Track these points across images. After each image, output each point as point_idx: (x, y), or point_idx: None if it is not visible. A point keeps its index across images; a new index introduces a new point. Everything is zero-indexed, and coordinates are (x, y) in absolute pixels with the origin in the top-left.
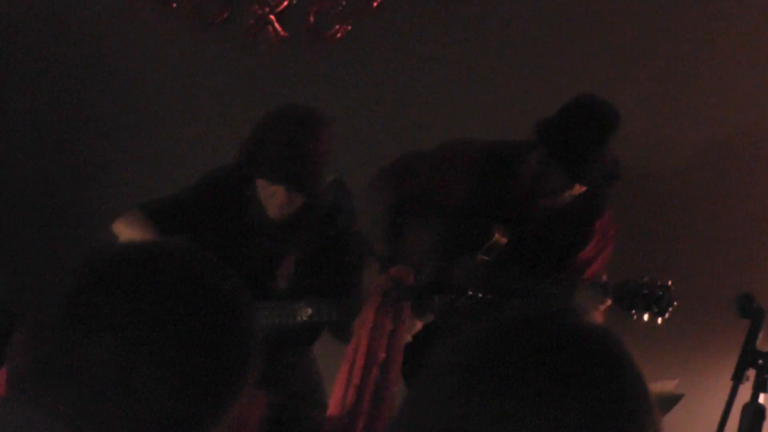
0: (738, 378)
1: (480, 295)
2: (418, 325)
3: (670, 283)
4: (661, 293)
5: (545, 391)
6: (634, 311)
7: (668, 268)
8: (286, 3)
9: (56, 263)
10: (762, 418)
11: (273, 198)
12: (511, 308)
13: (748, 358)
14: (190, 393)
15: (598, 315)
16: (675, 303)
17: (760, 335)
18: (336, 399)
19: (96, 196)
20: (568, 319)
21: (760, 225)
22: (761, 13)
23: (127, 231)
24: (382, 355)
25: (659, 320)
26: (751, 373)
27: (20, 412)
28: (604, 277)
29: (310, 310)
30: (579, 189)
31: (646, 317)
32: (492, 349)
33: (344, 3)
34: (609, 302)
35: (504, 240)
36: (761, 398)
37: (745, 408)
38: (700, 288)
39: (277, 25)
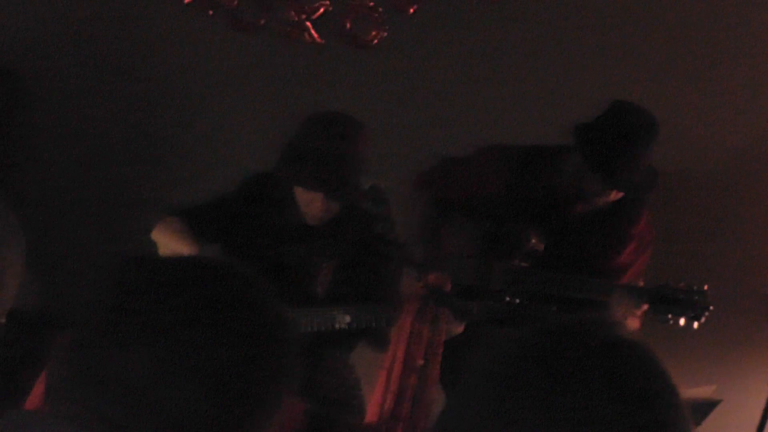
0: None
1: (518, 301)
2: (458, 329)
3: (706, 287)
4: (697, 298)
5: (581, 404)
6: (670, 316)
7: (704, 270)
8: (322, 10)
9: (95, 269)
10: None
11: (311, 205)
12: (549, 319)
13: None
14: (230, 406)
15: (634, 319)
16: (711, 307)
17: None
18: (374, 406)
19: (136, 201)
20: (605, 331)
21: None
22: None
23: (165, 239)
24: (419, 362)
25: (695, 324)
26: None
27: (54, 426)
28: (641, 282)
29: (348, 318)
30: (616, 195)
31: (682, 322)
32: (529, 360)
33: (380, 10)
34: (645, 307)
35: (541, 246)
36: None
37: None
38: (738, 291)
39: (313, 31)
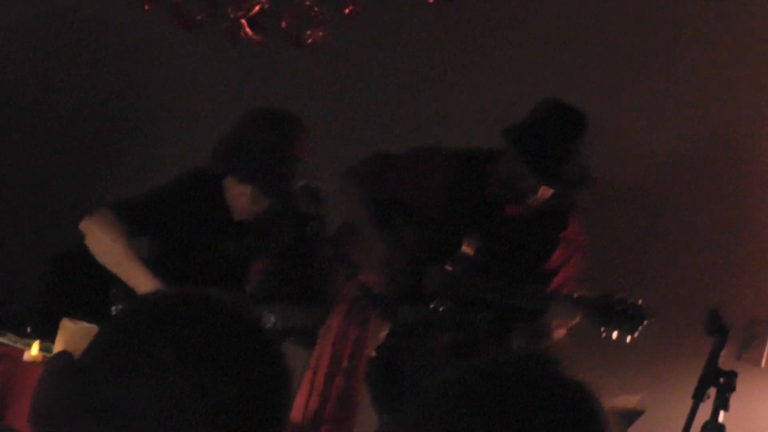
0: (699, 396)
1: (441, 309)
2: (382, 334)
3: (641, 301)
4: (632, 312)
5: None
6: (603, 329)
7: (636, 280)
8: (258, 7)
9: (25, 262)
10: None
11: (240, 199)
12: (492, 352)
13: (710, 376)
14: None
15: (562, 329)
16: (645, 322)
17: (723, 353)
18: (299, 405)
19: (68, 193)
20: (547, 369)
21: (731, 239)
22: (735, 18)
23: (95, 231)
24: (345, 363)
25: (628, 338)
26: (713, 391)
27: None
28: (576, 293)
29: (273, 318)
30: (546, 193)
31: (615, 335)
32: (471, 392)
33: (317, 9)
34: (579, 318)
35: (472, 251)
36: (721, 417)
37: (705, 426)
38: (668, 303)
39: (248, 29)
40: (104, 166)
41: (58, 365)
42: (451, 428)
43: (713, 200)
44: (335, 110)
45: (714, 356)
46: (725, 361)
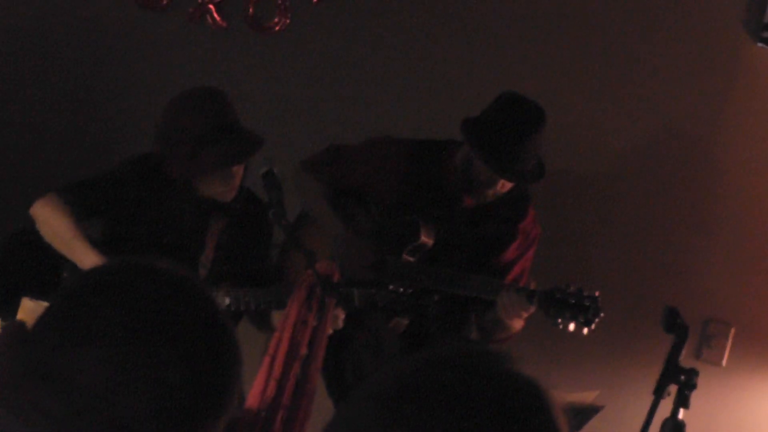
0: (659, 393)
1: (401, 289)
2: (340, 320)
3: (597, 293)
4: (588, 303)
5: None
6: (560, 320)
7: (594, 275)
8: None
9: None
10: None
11: (192, 184)
12: (443, 345)
13: (670, 373)
14: (176, 418)
15: (519, 321)
16: (602, 314)
17: (683, 351)
18: (256, 391)
19: (19, 176)
20: (498, 364)
21: (689, 235)
22: (694, 11)
23: (45, 214)
24: (303, 350)
25: (585, 330)
26: (673, 388)
27: None
28: (533, 284)
29: (227, 300)
30: (503, 187)
31: (572, 327)
32: (417, 387)
33: None
34: (532, 309)
35: (430, 241)
36: (681, 414)
37: (665, 423)
38: (627, 299)
39: (216, 14)
40: (61, 146)
41: (10, 332)
42: (394, 424)
43: (672, 196)
44: (300, 98)
45: (674, 353)
46: (685, 360)
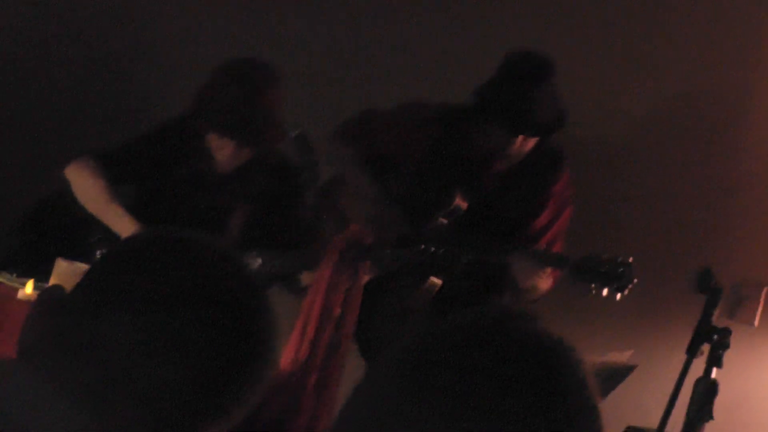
0: (692, 352)
1: (433, 249)
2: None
3: (630, 260)
4: (621, 270)
5: (494, 399)
6: (593, 286)
7: (625, 238)
8: None
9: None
10: (714, 393)
11: (222, 151)
12: (466, 311)
13: (703, 332)
14: (210, 384)
15: (547, 280)
16: (635, 280)
17: (716, 311)
18: (289, 353)
19: (51, 139)
20: (524, 325)
21: (720, 196)
22: None
23: (78, 178)
24: (337, 312)
25: (618, 296)
26: (706, 348)
27: (25, 378)
28: (561, 243)
29: (259, 260)
30: (526, 145)
31: (605, 292)
32: (443, 351)
33: None
34: (549, 270)
35: (464, 205)
36: (714, 373)
37: (698, 382)
38: (659, 261)
39: None
40: (93, 112)
41: (48, 298)
42: (425, 385)
43: (702, 156)
44: (328, 62)
45: (707, 314)
46: (718, 320)
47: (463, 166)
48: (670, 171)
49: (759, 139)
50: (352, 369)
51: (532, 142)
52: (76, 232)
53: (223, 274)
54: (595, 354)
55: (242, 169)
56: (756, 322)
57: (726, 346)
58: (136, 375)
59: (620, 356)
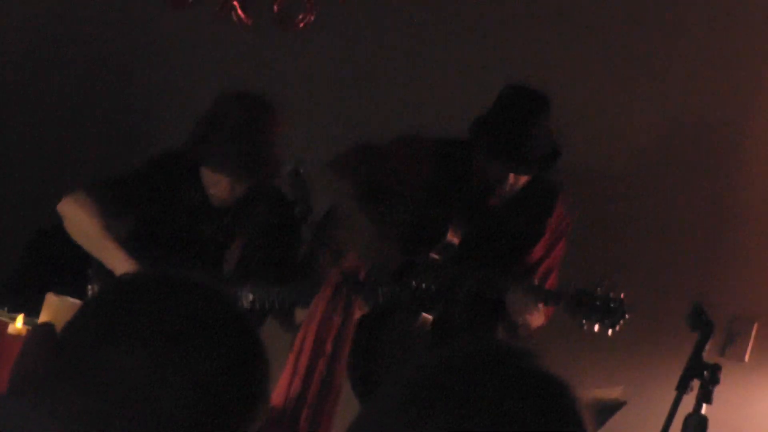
0: (683, 388)
1: (424, 285)
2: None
3: (623, 295)
4: (613, 305)
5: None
6: (585, 321)
7: (618, 271)
8: None
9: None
10: (704, 429)
11: (217, 186)
12: (470, 342)
13: (694, 368)
14: (215, 412)
15: (540, 316)
16: (627, 316)
17: (707, 347)
18: (281, 388)
19: (64, 172)
20: (525, 362)
21: (714, 230)
22: (715, 4)
23: (72, 212)
24: (329, 347)
25: (609, 332)
26: (696, 383)
27: (15, 413)
28: (554, 275)
29: (251, 296)
30: (519, 181)
31: (597, 328)
32: (444, 383)
33: None
34: (541, 305)
35: (456, 240)
36: (704, 409)
37: (688, 418)
38: (651, 296)
39: (240, 11)
40: (88, 144)
41: (41, 335)
42: (422, 419)
43: (697, 189)
44: (326, 95)
45: (698, 349)
46: (708, 356)
47: (457, 200)
48: (663, 205)
49: (754, 173)
50: (346, 404)
51: (525, 178)
52: (67, 266)
53: (214, 314)
54: (585, 389)
55: (237, 203)
56: (746, 358)
57: (716, 382)
58: (137, 401)
59: (610, 392)
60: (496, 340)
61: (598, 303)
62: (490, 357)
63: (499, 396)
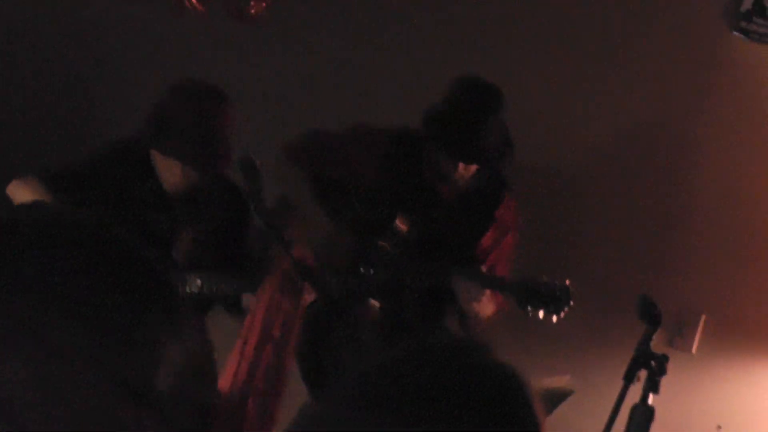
0: (630, 378)
1: (372, 272)
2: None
3: (567, 282)
4: (558, 293)
5: (443, 425)
6: (530, 308)
7: (569, 265)
8: None
9: None
10: (650, 419)
11: (170, 172)
12: (422, 338)
13: (641, 358)
14: (109, 344)
15: (489, 304)
16: (571, 303)
17: (655, 338)
18: (228, 374)
19: (14, 158)
20: (478, 355)
21: (663, 227)
22: (664, 7)
23: (20, 197)
24: (276, 333)
25: (554, 318)
26: (643, 374)
27: None
28: (506, 269)
29: (199, 282)
30: (468, 171)
31: (541, 314)
32: (396, 380)
33: None
34: (487, 292)
35: (405, 228)
36: (650, 399)
37: (635, 408)
38: (600, 287)
39: (195, 0)
40: (39, 130)
41: None
42: (377, 414)
43: (646, 186)
44: (276, 84)
45: (646, 340)
46: (656, 347)
47: (407, 189)
48: (615, 200)
49: (703, 173)
50: (293, 390)
51: (474, 168)
52: None
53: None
54: (533, 378)
55: (189, 190)
56: (693, 350)
57: (663, 372)
58: (37, 329)
59: (557, 381)
60: (449, 334)
61: (542, 290)
62: (443, 351)
63: (454, 389)
